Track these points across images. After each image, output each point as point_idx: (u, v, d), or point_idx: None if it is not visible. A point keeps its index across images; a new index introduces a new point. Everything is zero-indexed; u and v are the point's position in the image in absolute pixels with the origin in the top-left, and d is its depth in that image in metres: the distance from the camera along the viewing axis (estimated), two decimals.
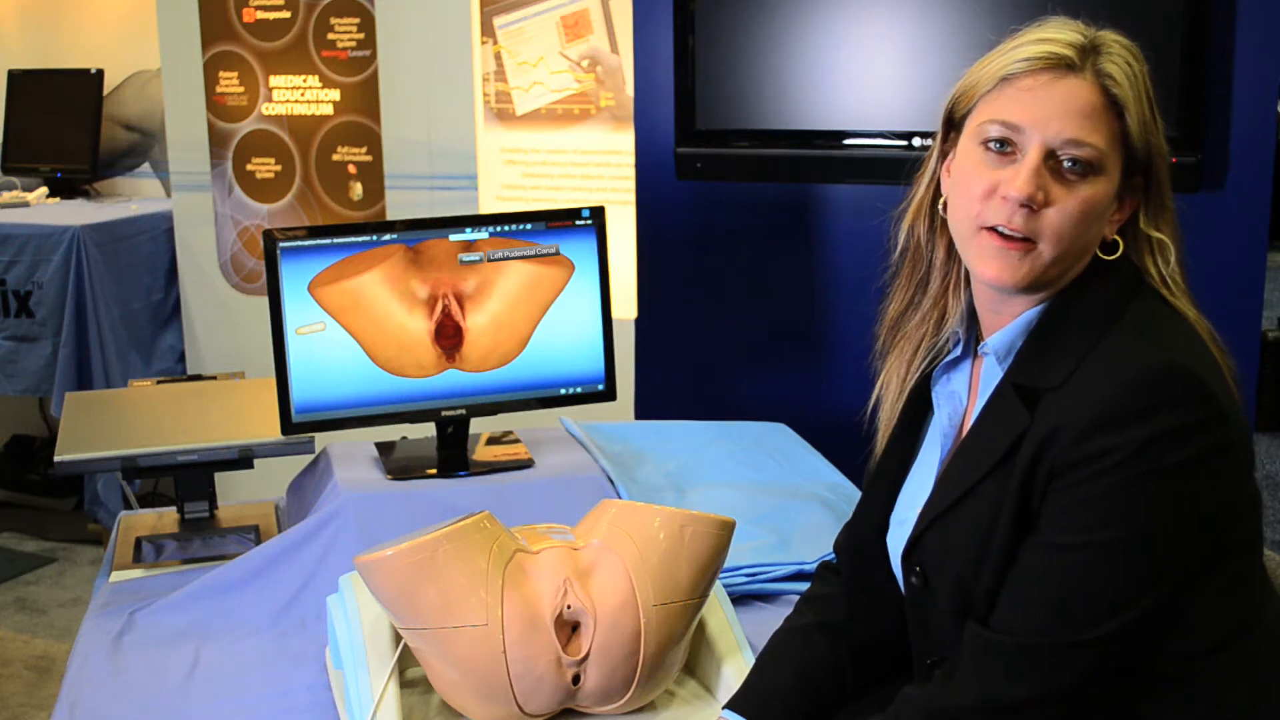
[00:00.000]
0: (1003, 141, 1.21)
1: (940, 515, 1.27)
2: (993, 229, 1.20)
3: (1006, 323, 1.26)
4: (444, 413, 2.00)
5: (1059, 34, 1.21)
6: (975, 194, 1.22)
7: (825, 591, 1.47)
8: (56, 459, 1.94)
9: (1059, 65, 1.19)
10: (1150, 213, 1.24)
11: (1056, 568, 1.15)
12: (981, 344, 1.30)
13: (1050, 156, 1.18)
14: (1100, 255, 1.24)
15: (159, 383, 2.34)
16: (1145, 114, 1.20)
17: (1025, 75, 1.20)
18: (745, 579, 1.83)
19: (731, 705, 1.38)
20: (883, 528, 1.39)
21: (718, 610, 1.58)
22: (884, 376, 1.40)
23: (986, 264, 1.22)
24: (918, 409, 1.38)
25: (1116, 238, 1.24)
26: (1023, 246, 1.19)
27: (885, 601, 1.38)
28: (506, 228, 2.00)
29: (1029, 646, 1.15)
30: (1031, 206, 1.18)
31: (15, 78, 4.30)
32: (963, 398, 1.33)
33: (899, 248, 1.37)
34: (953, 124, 1.29)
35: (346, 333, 1.93)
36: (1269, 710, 1.21)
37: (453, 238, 1.97)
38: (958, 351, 1.34)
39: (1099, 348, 1.18)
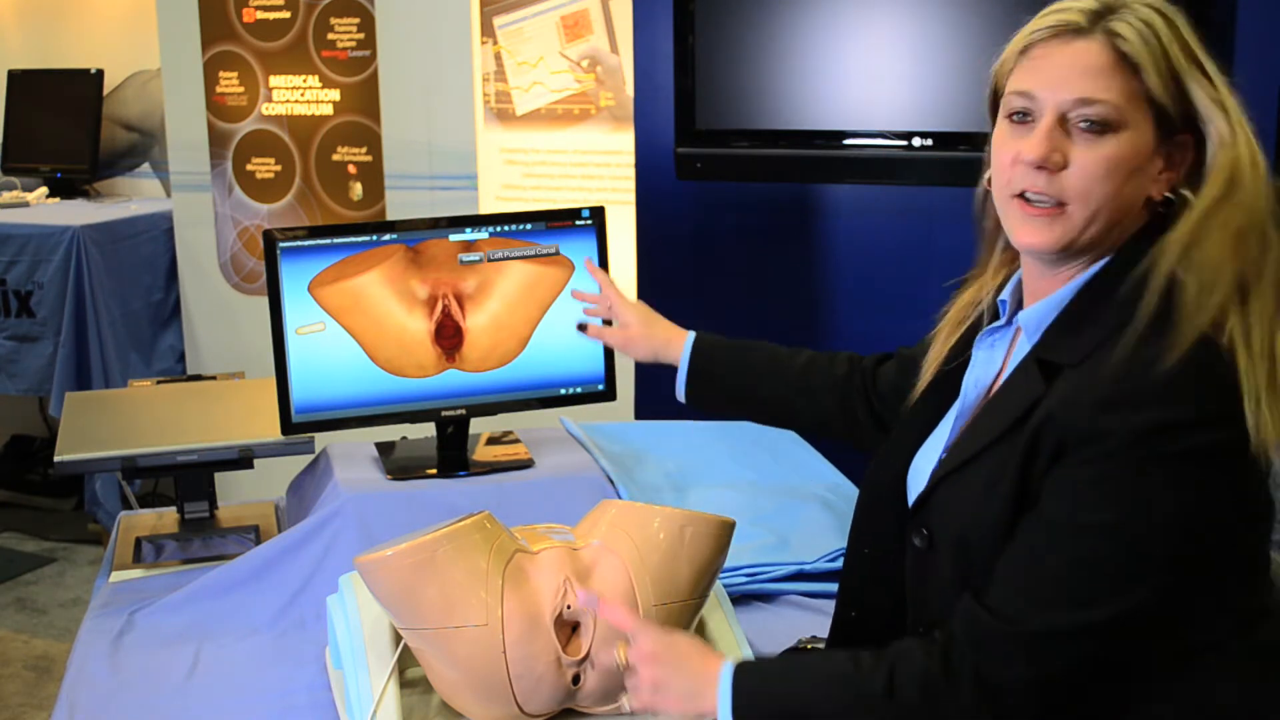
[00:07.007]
0: (1024, 112, 1.24)
1: (947, 476, 1.28)
2: (1022, 196, 1.23)
3: (1047, 294, 1.27)
4: (444, 413, 2.00)
5: (1075, 2, 1.23)
6: (1004, 164, 1.25)
7: (853, 372, 1.62)
8: (56, 459, 1.94)
9: (1068, 31, 1.22)
10: (1193, 172, 1.22)
11: (1054, 547, 1.16)
12: (1015, 317, 1.32)
13: (1064, 119, 1.21)
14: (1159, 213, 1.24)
15: (159, 383, 2.34)
16: (1174, 68, 1.20)
17: (1038, 45, 1.23)
18: (745, 579, 1.83)
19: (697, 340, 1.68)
20: (901, 473, 1.40)
21: (718, 610, 1.58)
22: (937, 333, 1.44)
23: (1020, 230, 1.25)
24: (961, 369, 1.39)
25: (1169, 194, 1.23)
26: (1051, 211, 1.22)
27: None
28: (506, 228, 2.00)
29: (1023, 633, 1.16)
30: (1048, 168, 1.20)
31: (15, 78, 4.30)
32: (997, 363, 1.35)
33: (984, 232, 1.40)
34: (995, 104, 1.32)
35: (346, 333, 1.93)
36: (1258, 715, 1.21)
37: (453, 238, 1.97)
38: (1004, 318, 1.36)
39: (1125, 329, 1.17)
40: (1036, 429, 1.18)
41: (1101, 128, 1.19)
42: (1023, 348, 1.30)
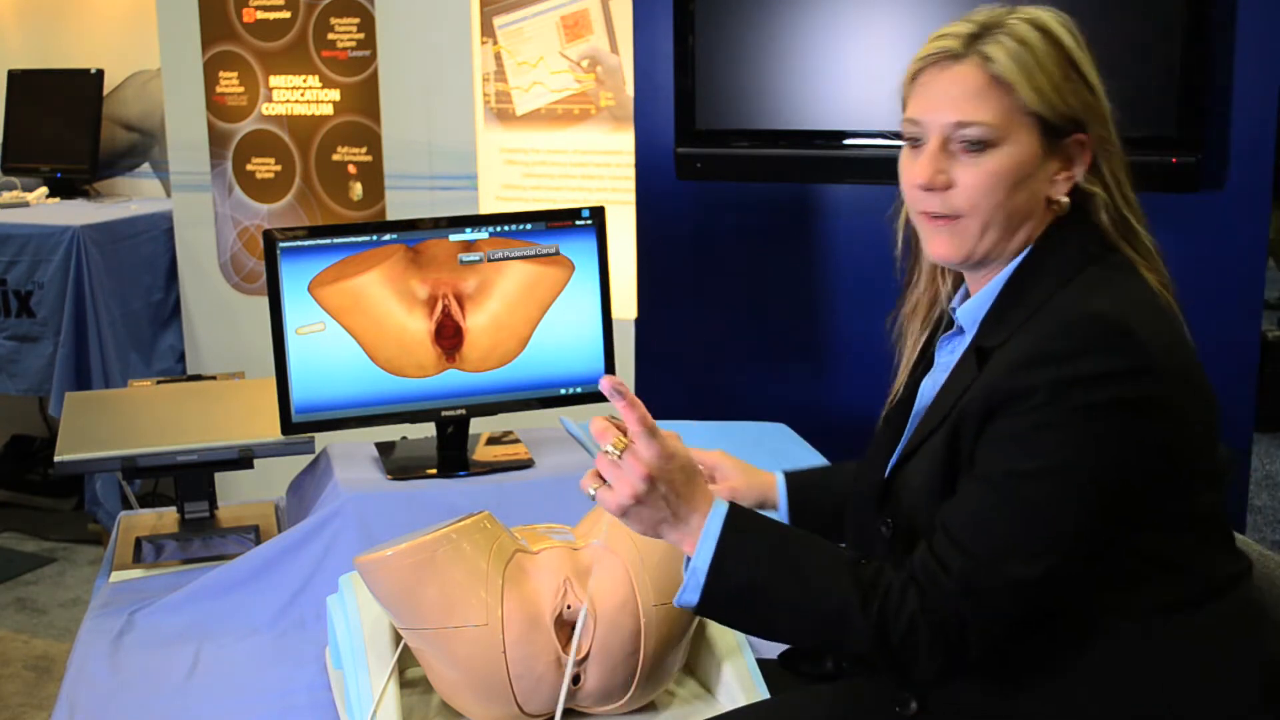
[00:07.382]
0: (914, 138, 1.32)
1: (898, 468, 1.34)
2: (926, 214, 1.31)
3: (980, 290, 1.34)
4: (444, 413, 2.00)
5: (954, 27, 1.32)
6: (906, 186, 1.33)
7: None
8: (56, 459, 1.94)
9: (946, 57, 1.30)
10: (1092, 169, 1.30)
11: (989, 501, 1.21)
12: (956, 314, 1.38)
13: (948, 141, 1.28)
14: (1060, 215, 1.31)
15: (159, 383, 2.34)
16: (1051, 80, 1.26)
17: (923, 72, 1.32)
18: None
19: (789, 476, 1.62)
20: (879, 480, 1.41)
21: None
22: (899, 344, 1.48)
23: (929, 244, 1.33)
24: (924, 372, 1.44)
25: (1064, 198, 1.30)
26: (948, 223, 1.30)
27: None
28: (506, 228, 2.00)
29: (960, 589, 1.19)
30: (936, 188, 1.28)
31: (15, 78, 4.30)
32: (952, 365, 1.38)
33: (903, 241, 1.45)
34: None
35: (346, 333, 1.93)
36: (1202, 686, 1.23)
37: (453, 238, 1.97)
38: (956, 324, 1.40)
39: (1045, 306, 1.25)
40: (964, 406, 1.24)
41: (981, 146, 1.27)
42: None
